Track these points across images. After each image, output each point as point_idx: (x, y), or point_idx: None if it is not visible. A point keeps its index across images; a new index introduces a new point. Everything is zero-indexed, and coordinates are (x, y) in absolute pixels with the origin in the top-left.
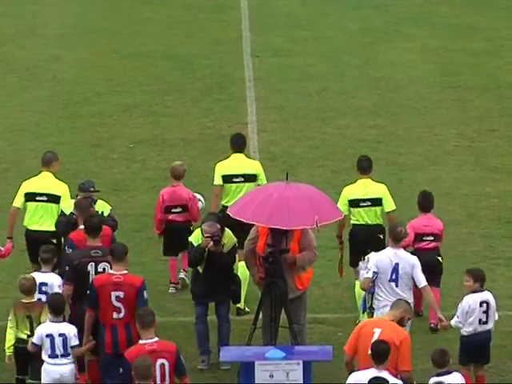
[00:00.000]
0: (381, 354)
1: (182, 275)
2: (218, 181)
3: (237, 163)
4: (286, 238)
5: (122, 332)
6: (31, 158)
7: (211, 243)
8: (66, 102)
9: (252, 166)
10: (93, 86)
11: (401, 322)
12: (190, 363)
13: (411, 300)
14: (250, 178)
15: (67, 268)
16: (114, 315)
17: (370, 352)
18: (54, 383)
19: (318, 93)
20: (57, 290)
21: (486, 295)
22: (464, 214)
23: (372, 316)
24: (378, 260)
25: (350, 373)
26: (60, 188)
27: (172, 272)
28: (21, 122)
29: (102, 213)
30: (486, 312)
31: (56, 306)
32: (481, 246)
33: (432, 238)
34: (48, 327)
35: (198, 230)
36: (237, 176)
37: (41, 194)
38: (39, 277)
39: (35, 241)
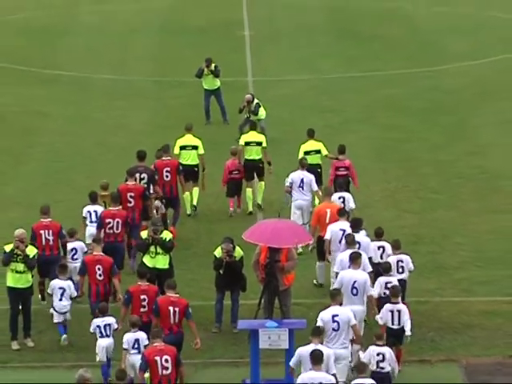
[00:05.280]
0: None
1: (231, 210)
2: (241, 143)
3: (252, 135)
4: (278, 253)
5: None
6: None
7: (227, 257)
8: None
9: (260, 138)
10: None
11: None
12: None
13: (310, 196)
14: (260, 144)
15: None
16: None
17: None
18: None
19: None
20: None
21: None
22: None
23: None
24: (292, 177)
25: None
26: (197, 142)
27: (231, 203)
28: None
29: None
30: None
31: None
32: None
33: (344, 169)
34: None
35: (219, 248)
36: (252, 142)
37: (187, 146)
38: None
39: (186, 170)
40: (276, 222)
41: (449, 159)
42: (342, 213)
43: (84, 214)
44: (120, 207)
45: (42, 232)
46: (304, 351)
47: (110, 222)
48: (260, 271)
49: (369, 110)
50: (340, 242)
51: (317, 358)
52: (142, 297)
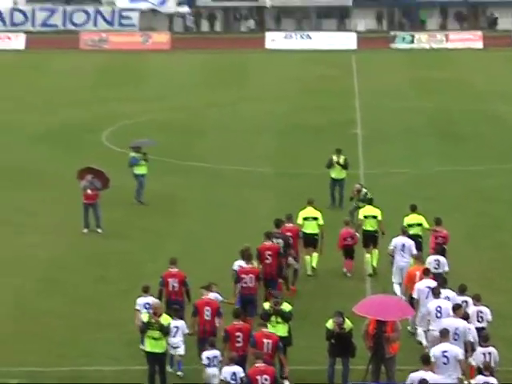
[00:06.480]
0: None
1: (348, 274)
2: (360, 217)
3: (369, 210)
4: (384, 324)
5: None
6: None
7: (338, 329)
8: None
9: (376, 212)
10: None
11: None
12: None
13: (410, 259)
14: (375, 217)
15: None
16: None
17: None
18: None
19: None
20: None
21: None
22: None
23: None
24: (395, 242)
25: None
26: (317, 214)
27: (345, 264)
28: None
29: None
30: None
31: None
32: None
33: (441, 238)
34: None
35: (331, 320)
36: (369, 216)
37: (309, 217)
38: None
39: (307, 238)
40: (383, 297)
41: None
42: (426, 272)
43: (234, 268)
44: (253, 265)
45: (169, 280)
46: (414, 376)
47: (244, 278)
48: (368, 340)
49: (463, 199)
50: (427, 297)
51: None
52: (237, 334)
